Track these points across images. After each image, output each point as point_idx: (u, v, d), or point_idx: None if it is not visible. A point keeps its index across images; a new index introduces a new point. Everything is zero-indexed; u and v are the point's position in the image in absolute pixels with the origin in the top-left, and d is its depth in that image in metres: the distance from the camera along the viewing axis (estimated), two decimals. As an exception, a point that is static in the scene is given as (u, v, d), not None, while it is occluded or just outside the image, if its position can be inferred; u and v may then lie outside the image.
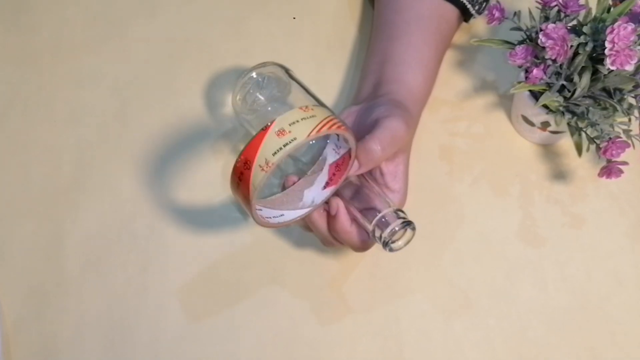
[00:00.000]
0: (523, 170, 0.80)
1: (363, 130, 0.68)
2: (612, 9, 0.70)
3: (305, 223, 0.69)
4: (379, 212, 0.65)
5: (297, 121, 0.59)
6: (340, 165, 0.66)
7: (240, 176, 0.60)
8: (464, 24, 0.85)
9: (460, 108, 0.83)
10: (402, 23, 0.78)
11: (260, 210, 0.65)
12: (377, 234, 0.64)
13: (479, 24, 0.87)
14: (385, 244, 0.64)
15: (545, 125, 0.76)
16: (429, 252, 0.76)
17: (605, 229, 0.77)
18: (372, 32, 0.81)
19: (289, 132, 0.59)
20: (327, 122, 0.60)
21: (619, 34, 0.64)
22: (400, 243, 0.66)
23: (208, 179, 0.79)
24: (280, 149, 0.58)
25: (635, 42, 0.64)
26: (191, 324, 0.73)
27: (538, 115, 0.75)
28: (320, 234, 0.69)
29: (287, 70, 0.74)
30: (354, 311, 0.73)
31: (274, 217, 0.66)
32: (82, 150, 0.81)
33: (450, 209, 0.78)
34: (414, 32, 0.77)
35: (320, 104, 0.67)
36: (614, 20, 0.66)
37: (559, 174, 0.80)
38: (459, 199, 0.79)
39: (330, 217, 0.67)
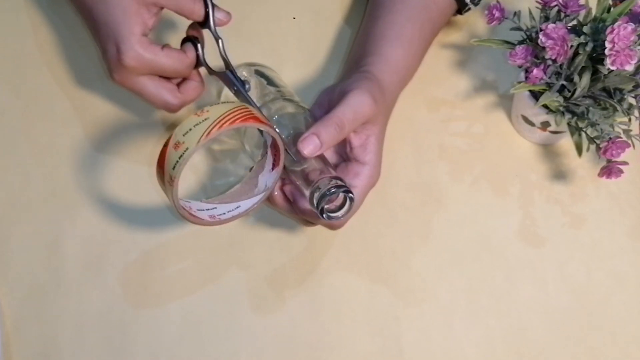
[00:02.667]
0: (523, 170, 0.80)
1: (332, 104, 0.67)
2: (612, 9, 0.70)
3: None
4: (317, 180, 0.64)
5: (190, 129, 0.59)
6: (276, 146, 0.65)
7: (164, 190, 0.62)
8: (463, 21, 0.85)
9: (461, 108, 0.83)
10: (388, 3, 0.78)
11: (215, 208, 0.66)
12: (314, 199, 0.63)
13: (479, 23, 0.87)
14: (320, 209, 0.63)
15: (545, 125, 0.76)
16: (429, 251, 0.76)
17: (606, 229, 0.77)
18: (363, 17, 0.82)
19: (183, 142, 0.59)
20: (223, 120, 0.59)
21: (619, 34, 0.64)
22: (338, 213, 0.64)
23: (207, 179, 0.79)
24: (177, 162, 0.59)
25: (635, 42, 0.64)
26: (190, 323, 0.73)
27: (538, 115, 0.75)
28: (291, 217, 0.70)
29: (254, 67, 0.76)
30: (354, 311, 0.73)
31: (228, 211, 0.67)
32: (82, 150, 0.81)
33: (450, 208, 0.78)
34: (398, 10, 0.78)
35: (285, 98, 0.70)
36: (614, 20, 0.66)
37: (559, 174, 0.80)
38: (459, 198, 0.78)
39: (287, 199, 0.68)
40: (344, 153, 0.70)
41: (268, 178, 0.68)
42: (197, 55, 0.71)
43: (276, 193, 0.69)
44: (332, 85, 0.73)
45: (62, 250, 0.76)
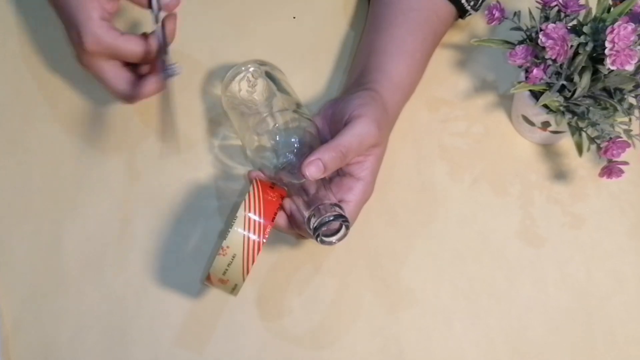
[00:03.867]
0: (523, 170, 0.80)
1: (337, 125, 0.69)
2: (612, 9, 0.70)
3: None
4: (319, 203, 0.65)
5: (226, 269, 0.64)
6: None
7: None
8: (463, 22, 0.85)
9: (461, 108, 0.83)
10: (389, 15, 0.78)
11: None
12: (311, 223, 0.64)
13: (479, 23, 0.87)
14: (316, 233, 0.64)
15: (545, 125, 0.76)
16: (429, 251, 0.76)
17: (606, 229, 0.77)
18: (364, 26, 0.82)
19: (228, 280, 0.65)
20: (250, 249, 0.64)
21: (619, 33, 0.64)
22: (332, 238, 0.66)
23: (208, 178, 0.79)
24: (232, 290, 0.67)
25: (636, 42, 0.64)
26: (190, 323, 0.73)
27: (538, 115, 0.75)
28: (283, 230, 0.70)
29: (265, 67, 0.77)
30: (353, 311, 0.73)
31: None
32: (82, 150, 0.81)
33: (450, 208, 0.78)
34: (400, 23, 0.78)
35: (294, 110, 0.72)
36: (614, 20, 0.66)
37: (559, 174, 0.79)
38: (459, 198, 0.78)
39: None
40: (340, 168, 0.70)
41: None
42: (160, 43, 0.72)
43: None
44: (337, 98, 0.74)
45: (62, 250, 0.76)
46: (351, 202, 0.68)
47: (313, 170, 0.65)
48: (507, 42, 0.73)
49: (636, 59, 0.64)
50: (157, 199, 0.78)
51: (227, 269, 0.64)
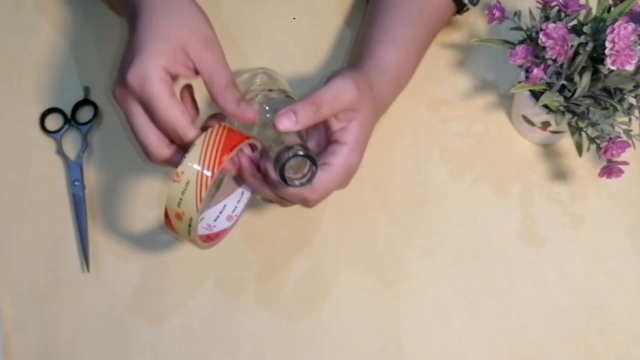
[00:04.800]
0: (523, 170, 0.80)
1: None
2: (612, 9, 0.70)
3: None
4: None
5: (181, 199, 0.59)
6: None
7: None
8: (463, 21, 0.85)
9: (461, 108, 0.83)
10: (383, 8, 0.79)
11: (202, 219, 0.66)
12: (278, 165, 0.61)
13: (479, 23, 0.87)
14: (281, 173, 0.61)
15: (545, 125, 0.76)
16: (429, 251, 0.76)
17: (606, 229, 0.77)
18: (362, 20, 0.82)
19: (183, 213, 0.60)
20: (202, 181, 0.59)
21: (620, 33, 0.64)
22: (297, 181, 0.63)
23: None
24: (189, 229, 0.61)
25: (636, 42, 0.64)
26: (190, 323, 0.73)
27: (538, 115, 0.75)
28: (264, 194, 0.68)
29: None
30: (354, 311, 0.73)
31: (218, 216, 0.67)
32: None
33: (450, 208, 0.78)
34: (393, 15, 0.78)
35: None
36: (615, 20, 0.66)
37: (560, 174, 0.79)
38: (459, 198, 0.78)
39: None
40: (325, 141, 0.69)
41: None
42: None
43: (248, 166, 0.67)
44: None
45: (62, 250, 0.76)
46: (333, 165, 0.66)
47: (286, 122, 0.62)
48: (508, 42, 0.73)
49: (636, 59, 0.64)
50: (157, 200, 0.78)
51: (181, 199, 0.59)
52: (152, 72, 0.61)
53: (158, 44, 0.62)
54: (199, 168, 0.59)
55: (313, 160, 0.62)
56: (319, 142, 0.69)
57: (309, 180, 0.63)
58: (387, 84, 0.75)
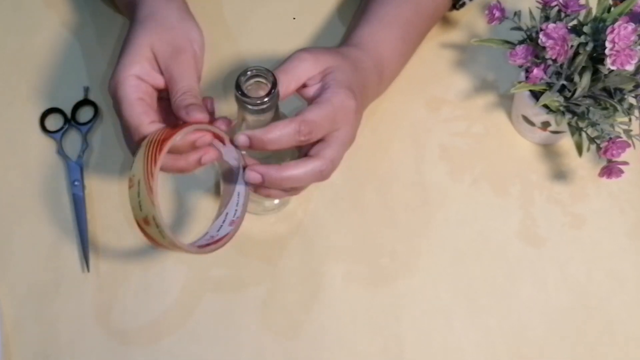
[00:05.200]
0: (523, 170, 0.80)
1: None
2: (612, 9, 0.70)
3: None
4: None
5: (140, 202, 0.59)
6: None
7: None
8: (464, 22, 0.85)
9: (461, 108, 0.83)
10: None
11: (206, 233, 0.66)
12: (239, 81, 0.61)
13: (479, 23, 0.87)
14: (240, 90, 0.60)
15: (545, 125, 0.76)
16: (429, 251, 0.76)
17: (606, 229, 0.77)
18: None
19: (146, 216, 0.58)
20: (148, 168, 0.58)
21: (620, 33, 0.64)
22: (257, 99, 0.60)
23: (208, 177, 0.79)
24: (160, 233, 0.59)
25: (636, 42, 0.64)
26: (190, 324, 0.73)
27: (538, 115, 0.75)
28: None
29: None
30: (353, 311, 0.73)
31: (220, 225, 0.67)
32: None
33: (450, 208, 0.78)
34: (383, 0, 0.78)
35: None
36: (615, 20, 0.66)
37: (560, 174, 0.79)
38: (459, 198, 0.78)
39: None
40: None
41: (230, 156, 0.67)
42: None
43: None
44: None
45: (62, 250, 0.76)
46: (322, 102, 0.64)
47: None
48: (508, 42, 0.73)
49: (636, 59, 0.64)
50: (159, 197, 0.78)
51: (139, 201, 0.58)
52: (124, 79, 0.64)
53: (132, 54, 0.65)
54: (143, 164, 0.58)
55: (274, 80, 0.61)
56: None
57: (269, 95, 0.60)
58: (374, 62, 0.73)
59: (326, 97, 0.64)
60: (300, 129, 0.61)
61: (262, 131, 0.61)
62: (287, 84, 0.65)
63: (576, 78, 0.69)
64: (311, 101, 0.66)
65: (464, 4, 0.82)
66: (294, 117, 0.62)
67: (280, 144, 0.62)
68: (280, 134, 0.61)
